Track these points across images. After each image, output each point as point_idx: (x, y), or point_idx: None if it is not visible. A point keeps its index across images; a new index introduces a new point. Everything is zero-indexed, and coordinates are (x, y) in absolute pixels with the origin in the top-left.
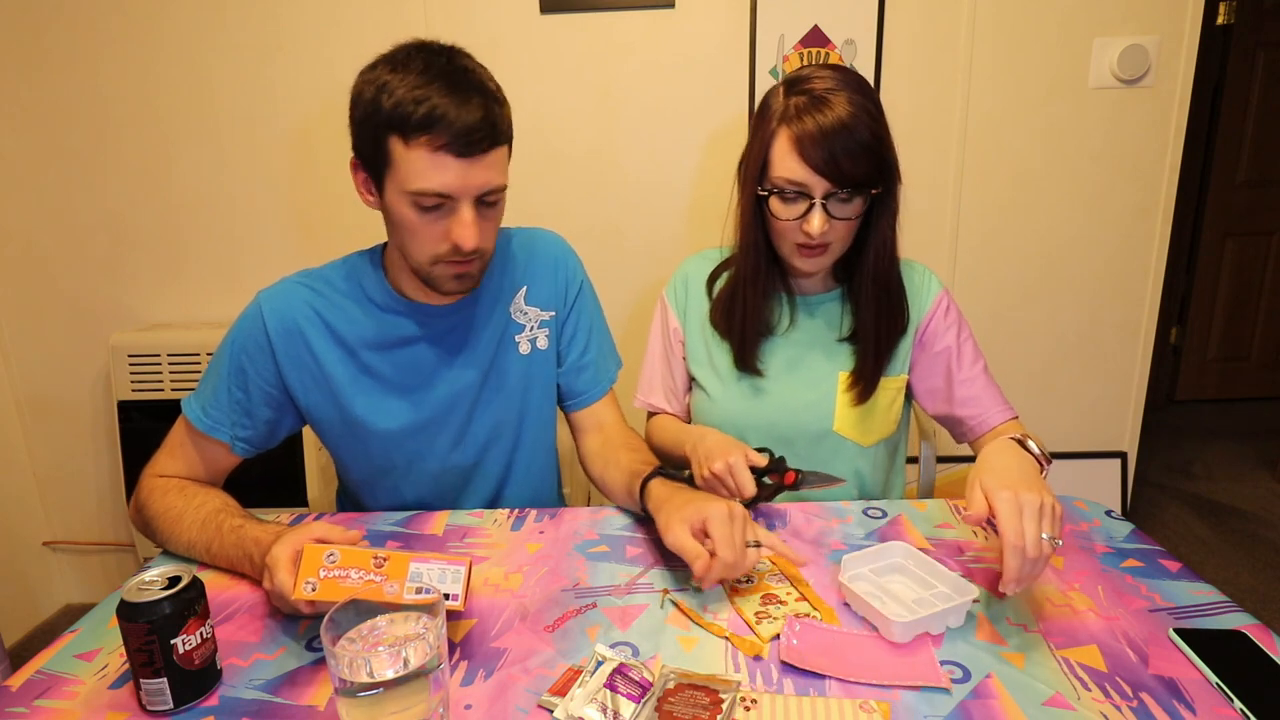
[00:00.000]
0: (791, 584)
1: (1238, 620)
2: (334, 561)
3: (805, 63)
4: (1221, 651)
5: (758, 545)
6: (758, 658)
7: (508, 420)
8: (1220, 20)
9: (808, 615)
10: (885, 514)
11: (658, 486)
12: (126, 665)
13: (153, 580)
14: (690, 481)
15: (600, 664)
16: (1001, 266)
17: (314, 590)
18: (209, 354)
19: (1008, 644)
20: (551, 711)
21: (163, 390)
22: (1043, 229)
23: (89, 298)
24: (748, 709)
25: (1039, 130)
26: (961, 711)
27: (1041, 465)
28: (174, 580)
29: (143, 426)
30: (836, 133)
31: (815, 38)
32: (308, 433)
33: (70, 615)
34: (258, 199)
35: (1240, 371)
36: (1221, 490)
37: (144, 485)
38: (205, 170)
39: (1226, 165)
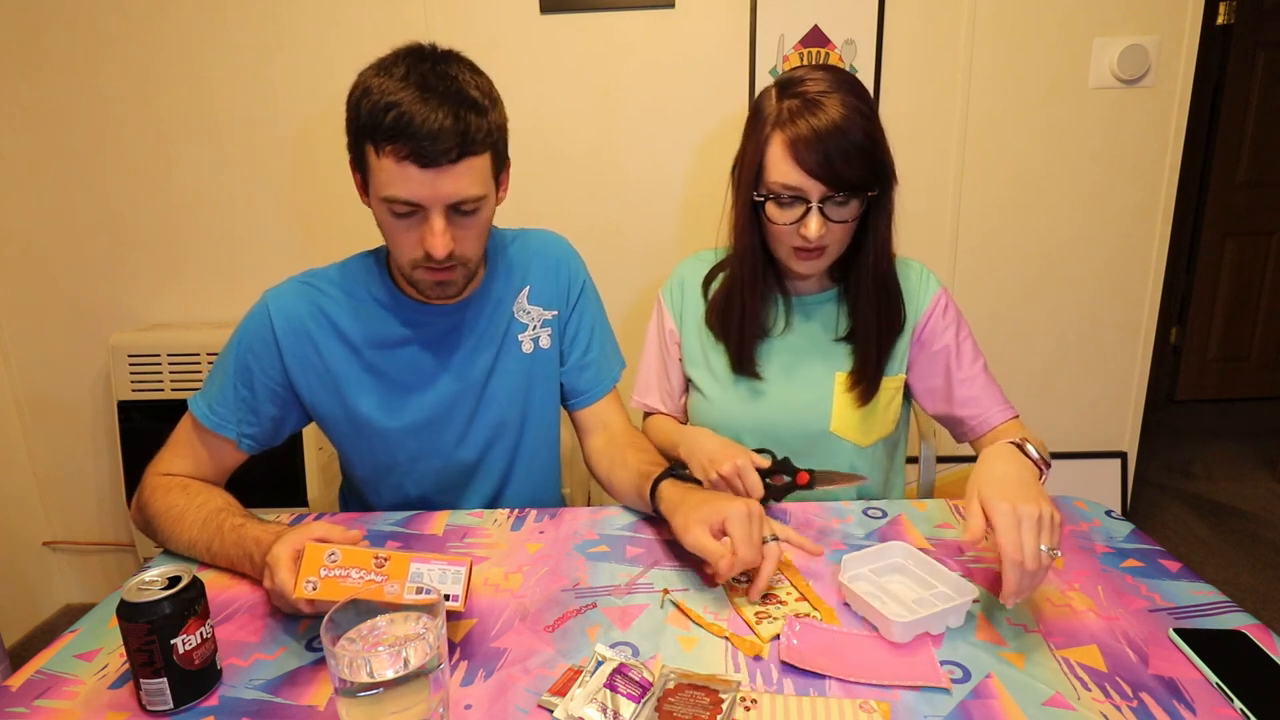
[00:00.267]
0: (791, 584)
1: (1238, 620)
2: (335, 561)
3: (805, 63)
4: (1221, 651)
5: (775, 540)
6: (758, 658)
7: (511, 418)
8: (1220, 20)
9: (808, 615)
10: (885, 514)
11: (669, 488)
12: (126, 665)
13: (153, 580)
14: (697, 482)
15: (600, 664)
16: (1001, 266)
17: (314, 590)
18: (209, 354)
19: (1008, 644)
20: (551, 711)
21: (163, 390)
22: (1043, 229)
23: (89, 298)
24: (748, 709)
25: (1039, 130)
26: (961, 711)
27: (1041, 470)
28: (174, 580)
29: (143, 426)
30: (831, 136)
31: (815, 38)
32: (308, 433)
33: (70, 615)
34: (258, 199)
35: (1240, 371)
36: (1221, 490)
37: (147, 483)
38: (205, 170)
39: (1226, 165)
